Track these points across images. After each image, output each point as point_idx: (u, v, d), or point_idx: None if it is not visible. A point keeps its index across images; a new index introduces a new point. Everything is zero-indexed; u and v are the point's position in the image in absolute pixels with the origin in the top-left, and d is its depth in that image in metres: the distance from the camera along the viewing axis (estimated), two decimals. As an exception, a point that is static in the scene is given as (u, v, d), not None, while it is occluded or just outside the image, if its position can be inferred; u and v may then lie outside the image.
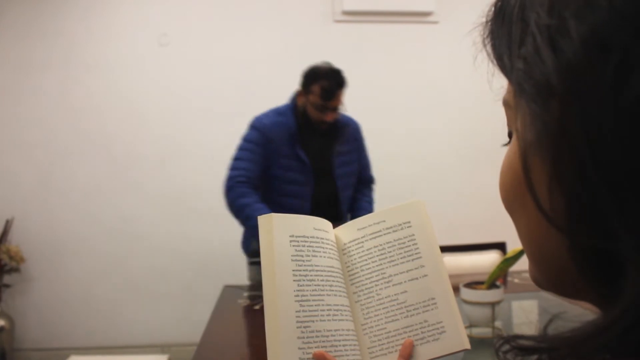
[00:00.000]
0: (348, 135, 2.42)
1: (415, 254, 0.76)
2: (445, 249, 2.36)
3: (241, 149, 2.35)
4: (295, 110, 2.34)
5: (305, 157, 2.29)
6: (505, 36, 0.34)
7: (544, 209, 0.31)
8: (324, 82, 2.22)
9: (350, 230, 0.80)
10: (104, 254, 3.37)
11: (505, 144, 0.40)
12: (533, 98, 0.30)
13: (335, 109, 2.28)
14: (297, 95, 2.35)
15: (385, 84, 3.49)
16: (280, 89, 3.42)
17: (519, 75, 0.31)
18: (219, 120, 3.41)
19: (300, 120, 2.32)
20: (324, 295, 0.71)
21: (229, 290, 2.37)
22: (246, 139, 2.33)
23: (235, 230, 3.35)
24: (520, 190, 0.34)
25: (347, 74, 3.44)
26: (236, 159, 2.37)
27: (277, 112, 2.37)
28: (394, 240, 0.77)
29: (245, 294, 2.27)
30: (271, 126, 2.30)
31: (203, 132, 3.41)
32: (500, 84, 0.37)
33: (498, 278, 1.64)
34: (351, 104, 3.45)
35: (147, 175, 3.39)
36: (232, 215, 2.32)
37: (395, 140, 3.49)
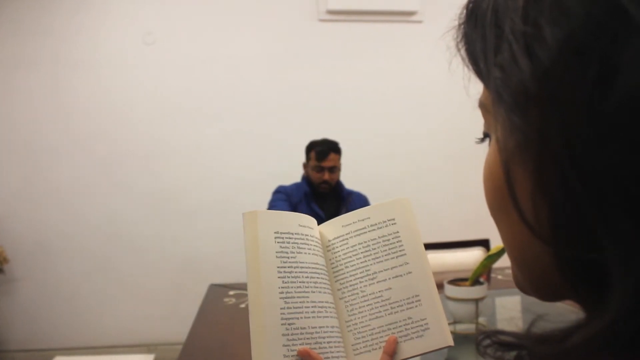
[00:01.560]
0: (353, 203, 2.73)
1: (400, 251, 0.76)
2: (429, 246, 2.37)
3: (271, 202, 2.66)
4: (307, 181, 2.75)
5: (319, 210, 2.68)
6: (480, 41, 0.33)
7: (527, 220, 0.30)
8: (318, 147, 2.67)
9: (334, 227, 0.79)
10: (89, 254, 3.34)
11: (479, 141, 0.40)
12: (511, 107, 0.30)
13: (331, 170, 2.65)
14: (303, 167, 2.80)
15: (370, 83, 3.50)
16: (265, 88, 3.43)
17: (496, 84, 0.31)
18: (205, 119, 3.39)
19: (312, 187, 2.72)
20: (308, 292, 0.71)
21: (215, 289, 2.36)
22: (273, 199, 2.68)
23: (221, 229, 3.35)
24: (502, 198, 0.34)
25: (332, 74, 3.47)
26: (270, 203, 2.70)
27: (295, 184, 2.78)
28: (379, 237, 0.77)
29: (231, 292, 2.26)
30: (289, 189, 2.73)
31: (189, 131, 3.39)
32: (477, 89, 0.37)
33: (482, 275, 1.65)
34: (336, 105, 3.47)
35: (133, 174, 3.37)
36: None
37: (381, 140, 3.50)
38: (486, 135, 0.38)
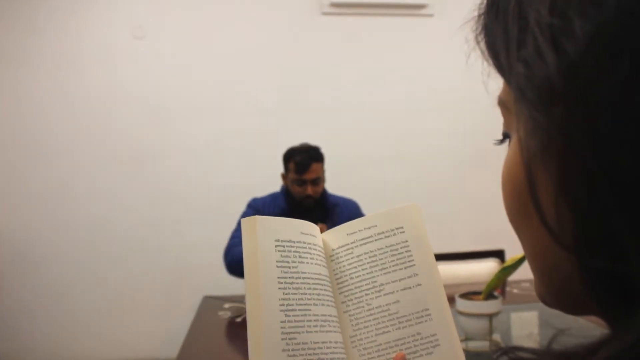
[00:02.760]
0: (340, 215, 2.61)
1: (409, 261, 0.76)
2: (439, 257, 2.37)
3: (238, 223, 2.59)
4: (286, 196, 2.64)
5: None
6: (501, 33, 0.33)
7: (549, 225, 0.31)
8: (297, 157, 2.54)
9: (339, 235, 0.79)
10: (72, 263, 3.34)
11: (498, 142, 0.40)
12: (535, 105, 0.30)
13: (314, 182, 2.55)
14: (282, 177, 2.68)
15: (375, 81, 3.50)
16: (263, 86, 3.44)
17: (519, 80, 0.31)
18: (199, 118, 3.40)
19: (291, 202, 2.61)
20: (310, 304, 0.71)
21: (209, 302, 2.36)
22: (242, 216, 2.56)
23: (216, 236, 3.35)
24: (523, 203, 0.34)
25: (335, 70, 3.48)
26: (233, 232, 2.65)
27: (272, 195, 2.70)
28: (386, 246, 0.77)
29: (227, 305, 2.27)
30: (264, 205, 2.64)
31: (181, 132, 3.40)
32: (497, 84, 0.37)
33: (496, 288, 1.65)
34: (339, 103, 3.48)
35: (120, 177, 3.37)
36: (237, 275, 2.56)
37: (387, 140, 3.51)
38: (506, 135, 0.38)
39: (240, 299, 2.35)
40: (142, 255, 3.38)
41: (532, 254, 0.36)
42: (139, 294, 3.38)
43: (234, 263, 2.51)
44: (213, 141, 3.42)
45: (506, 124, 0.37)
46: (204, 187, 3.41)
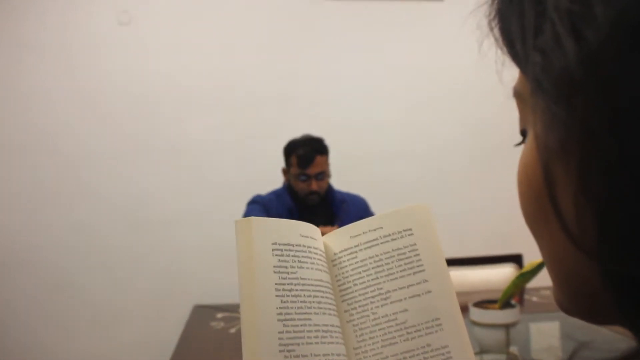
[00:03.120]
0: (348, 212, 2.61)
1: (418, 266, 0.76)
2: (451, 262, 2.37)
3: (246, 214, 2.55)
4: (290, 193, 2.63)
5: None
6: (517, 19, 0.33)
7: (569, 228, 0.31)
8: (300, 150, 2.54)
9: (341, 237, 0.79)
10: (51, 269, 3.34)
11: (518, 144, 0.40)
12: (553, 97, 0.30)
13: (318, 176, 2.55)
14: (283, 173, 2.69)
15: (381, 70, 3.50)
16: (259, 77, 3.44)
17: (535, 70, 0.31)
18: (188, 112, 3.40)
19: (296, 200, 2.61)
20: (311, 313, 0.71)
21: (200, 311, 2.36)
22: (248, 210, 2.55)
23: (209, 240, 3.35)
24: (541, 204, 0.34)
25: (339, 59, 3.48)
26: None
27: (275, 193, 2.68)
28: (393, 250, 0.77)
29: (219, 315, 2.27)
30: (269, 202, 2.61)
31: (170, 127, 3.40)
32: (512, 74, 0.37)
33: (513, 296, 1.65)
34: (342, 95, 3.48)
35: (103, 176, 3.37)
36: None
37: (394, 135, 3.51)
38: (525, 133, 0.38)
39: (234, 308, 2.35)
40: (127, 260, 3.38)
41: (551, 259, 0.36)
42: (124, 303, 3.38)
43: None
44: (205, 135, 3.42)
45: (522, 117, 0.37)
46: (195, 186, 3.41)
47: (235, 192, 3.34)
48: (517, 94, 0.37)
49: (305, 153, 2.52)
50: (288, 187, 2.65)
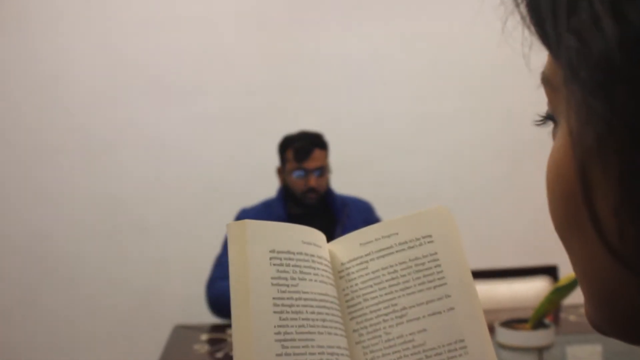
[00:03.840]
0: (351, 217, 2.66)
1: (439, 279, 0.76)
2: (475, 275, 2.37)
3: (224, 245, 2.57)
4: (284, 199, 2.69)
5: None
6: None
7: (607, 238, 0.31)
8: (297, 143, 2.61)
9: (350, 245, 0.79)
10: (11, 282, 3.34)
11: (539, 123, 0.40)
12: (590, 87, 0.30)
13: (317, 172, 2.60)
14: (277, 173, 2.74)
15: (391, 53, 3.50)
16: (252, 57, 3.43)
17: (569, 55, 0.31)
18: (166, 99, 3.39)
19: (292, 208, 2.66)
20: (314, 333, 0.71)
21: (182, 332, 2.36)
22: (228, 243, 2.46)
23: (190, 250, 3.35)
24: (574, 209, 0.34)
25: (342, 39, 3.48)
26: (218, 257, 2.65)
27: (265, 203, 2.73)
28: (410, 259, 0.77)
29: (204, 336, 2.27)
30: (257, 215, 2.65)
31: (146, 116, 3.39)
32: (542, 58, 0.37)
33: (547, 314, 1.65)
34: (346, 80, 3.47)
35: (68, 176, 3.37)
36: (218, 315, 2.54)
37: (406, 127, 3.51)
38: (550, 117, 0.38)
39: (221, 328, 2.35)
40: (97, 274, 3.38)
41: (584, 272, 0.36)
42: (93, 323, 3.38)
43: (222, 302, 2.42)
44: (184, 129, 3.41)
45: (552, 106, 0.38)
46: (174, 188, 3.40)
47: (219, 195, 3.34)
48: (547, 81, 0.37)
49: (303, 145, 2.58)
50: (283, 191, 2.70)
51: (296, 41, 3.46)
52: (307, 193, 2.60)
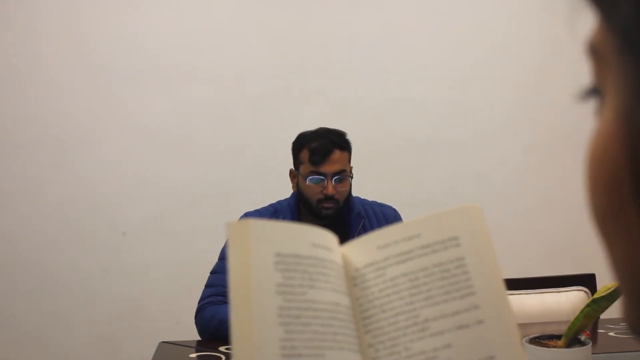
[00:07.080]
0: (367, 230, 2.53)
1: (466, 287, 0.76)
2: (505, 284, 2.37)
3: (221, 258, 2.52)
4: (296, 205, 2.61)
5: None
6: None
7: None
8: (313, 143, 2.50)
9: (366, 248, 0.79)
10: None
11: (583, 95, 0.39)
12: None
13: (337, 177, 2.49)
14: (290, 177, 2.65)
15: (405, 34, 3.50)
16: (246, 40, 3.44)
17: (625, 22, 0.31)
18: (154, 87, 3.40)
19: (304, 218, 2.58)
20: (324, 347, 0.71)
21: (168, 349, 2.37)
22: (227, 245, 2.46)
23: (176, 258, 3.35)
24: (619, 198, 0.34)
25: (355, 18, 3.48)
26: (213, 272, 2.56)
27: (273, 206, 2.66)
28: (433, 265, 0.77)
29: (193, 355, 2.27)
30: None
31: (124, 105, 3.40)
32: (588, 26, 0.37)
33: (583, 329, 1.65)
34: (354, 66, 3.47)
35: (36, 172, 3.37)
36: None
37: (426, 119, 3.51)
38: (595, 91, 0.38)
39: (213, 345, 2.35)
40: (71, 285, 3.38)
41: (625, 270, 0.36)
42: (67, 341, 3.39)
43: (212, 328, 2.39)
44: (172, 118, 3.42)
45: (599, 80, 0.37)
46: (158, 187, 3.41)
47: (210, 195, 3.34)
48: (594, 51, 0.36)
49: (321, 145, 2.48)
50: (298, 196, 2.60)
51: (298, 24, 3.46)
52: (324, 202, 2.49)
